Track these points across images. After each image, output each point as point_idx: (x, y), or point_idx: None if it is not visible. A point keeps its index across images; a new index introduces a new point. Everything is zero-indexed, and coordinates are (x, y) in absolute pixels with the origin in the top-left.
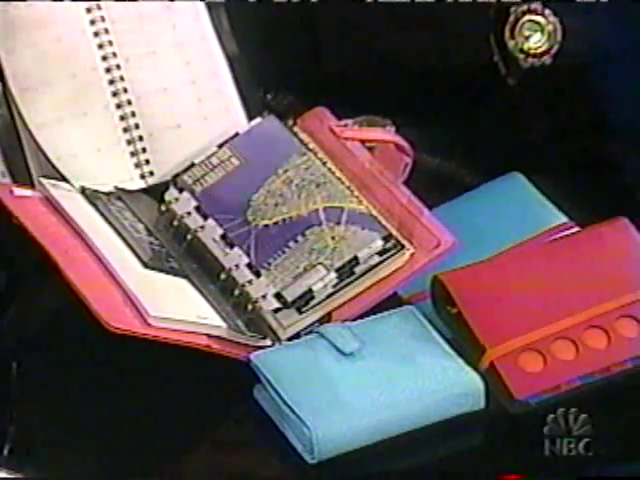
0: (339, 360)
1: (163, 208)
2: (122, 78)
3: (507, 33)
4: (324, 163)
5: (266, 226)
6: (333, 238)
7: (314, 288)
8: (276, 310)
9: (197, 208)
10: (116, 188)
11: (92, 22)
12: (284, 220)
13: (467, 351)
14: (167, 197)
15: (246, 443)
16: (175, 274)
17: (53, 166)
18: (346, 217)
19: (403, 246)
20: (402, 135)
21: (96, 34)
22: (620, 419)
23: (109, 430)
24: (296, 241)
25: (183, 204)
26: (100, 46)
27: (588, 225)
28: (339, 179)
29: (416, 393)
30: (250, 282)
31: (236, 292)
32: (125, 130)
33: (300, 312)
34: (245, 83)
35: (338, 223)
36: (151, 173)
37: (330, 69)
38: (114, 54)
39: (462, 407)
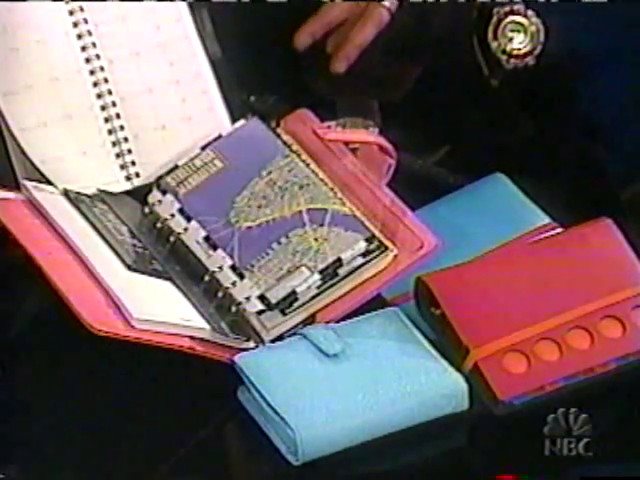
0: (323, 362)
1: (146, 210)
2: (106, 80)
3: (490, 34)
4: (307, 165)
5: (249, 228)
6: (316, 240)
7: (298, 290)
8: (260, 312)
9: (180, 210)
10: (99, 190)
11: (75, 24)
12: (267, 222)
13: (451, 352)
14: (150, 199)
15: (230, 445)
16: (158, 276)
17: (38, 170)
18: (329, 219)
19: (386, 247)
20: (385, 136)
21: (79, 36)
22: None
23: (92, 431)
24: (279, 243)
25: (166, 206)
26: (83, 48)
27: (571, 226)
28: (322, 181)
29: (400, 394)
30: (234, 284)
31: (220, 294)
32: (110, 132)
33: (284, 314)
34: (228, 84)
35: (321, 225)
36: (137, 174)
37: (313, 71)
38: (97, 56)
39: (446, 408)
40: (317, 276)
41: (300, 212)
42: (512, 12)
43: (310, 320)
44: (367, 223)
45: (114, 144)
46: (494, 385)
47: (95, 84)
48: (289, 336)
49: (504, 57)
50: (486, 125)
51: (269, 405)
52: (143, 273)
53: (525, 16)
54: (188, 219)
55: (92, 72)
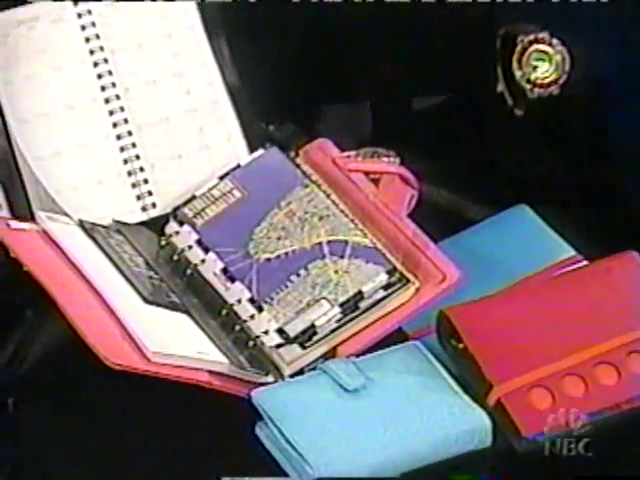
0: (342, 397)
1: (163, 242)
2: (122, 109)
3: (514, 63)
4: (328, 195)
5: (268, 260)
6: (337, 272)
7: (317, 323)
8: (278, 345)
9: (198, 241)
10: (115, 221)
11: (91, 52)
12: (286, 254)
13: (474, 387)
14: (167, 230)
15: None
16: (175, 309)
17: (53, 200)
18: (350, 250)
19: (408, 280)
20: (407, 167)
21: (95, 64)
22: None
23: (109, 466)
24: (299, 275)
25: (183, 237)
26: (99, 76)
27: (596, 259)
28: (343, 212)
29: (422, 430)
30: (252, 317)
31: (237, 327)
32: (126, 161)
33: (303, 347)
34: (246, 113)
35: (342, 257)
36: (154, 205)
37: (333, 100)
38: (113, 84)
39: (469, 444)
40: (337, 309)
41: (320, 244)
42: (537, 41)
43: (331, 354)
44: (388, 255)
45: (130, 174)
46: (518, 421)
47: (111, 113)
48: (309, 370)
49: (528, 86)
50: (510, 155)
51: (287, 441)
52: (159, 306)
53: (550, 45)
54: (206, 250)
55: (108, 100)
